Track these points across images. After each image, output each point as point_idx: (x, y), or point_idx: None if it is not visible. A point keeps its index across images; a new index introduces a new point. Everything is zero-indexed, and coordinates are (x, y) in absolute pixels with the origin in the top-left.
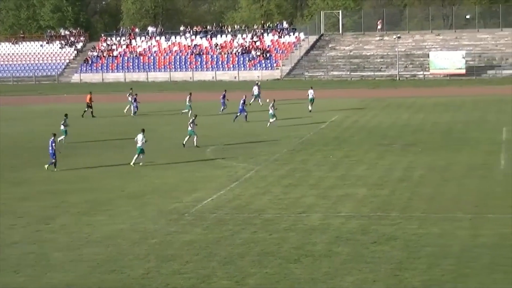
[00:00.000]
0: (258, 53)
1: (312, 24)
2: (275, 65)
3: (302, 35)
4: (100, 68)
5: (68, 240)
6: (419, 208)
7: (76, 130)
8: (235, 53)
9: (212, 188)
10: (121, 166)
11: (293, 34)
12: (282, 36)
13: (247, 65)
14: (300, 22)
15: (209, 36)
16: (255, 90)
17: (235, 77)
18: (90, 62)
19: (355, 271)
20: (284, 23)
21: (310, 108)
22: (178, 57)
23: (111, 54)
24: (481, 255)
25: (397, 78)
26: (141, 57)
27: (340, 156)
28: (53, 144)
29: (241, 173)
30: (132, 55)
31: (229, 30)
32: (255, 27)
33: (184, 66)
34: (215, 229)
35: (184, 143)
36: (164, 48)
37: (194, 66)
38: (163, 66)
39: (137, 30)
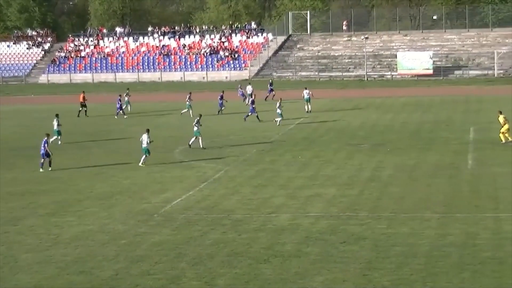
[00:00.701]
0: (227, 54)
1: (280, 24)
2: (243, 65)
3: (270, 36)
4: (67, 68)
5: (36, 241)
6: (388, 207)
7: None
8: (204, 54)
9: (181, 189)
10: (89, 167)
11: (261, 35)
12: (250, 37)
13: (216, 66)
14: (268, 23)
15: (177, 36)
16: (249, 89)
17: (203, 78)
18: (57, 63)
19: (324, 271)
20: (252, 23)
21: (307, 108)
22: (146, 57)
23: (79, 55)
24: (449, 254)
25: (365, 78)
26: (109, 58)
27: (309, 157)
28: (46, 145)
29: (210, 173)
30: (100, 56)
31: (197, 30)
32: (223, 27)
33: (152, 67)
34: (184, 230)
35: (190, 144)
36: (132, 49)
37: (162, 67)
38: (131, 67)
39: (104, 30)
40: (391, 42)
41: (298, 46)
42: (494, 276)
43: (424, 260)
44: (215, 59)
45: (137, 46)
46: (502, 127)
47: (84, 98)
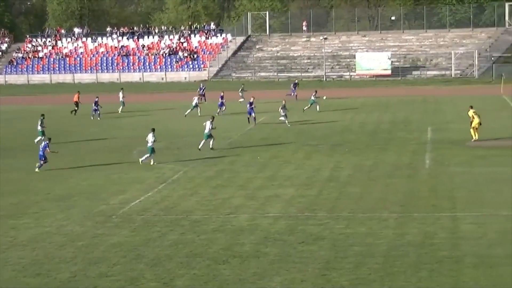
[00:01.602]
0: (186, 54)
1: (239, 25)
2: (202, 66)
3: (229, 36)
4: (25, 69)
5: None
6: (346, 207)
7: (12, 131)
8: (162, 54)
9: (139, 190)
10: (47, 169)
11: (220, 35)
12: (209, 37)
13: (175, 66)
14: (227, 23)
15: (136, 37)
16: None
17: (162, 78)
18: (15, 64)
19: (283, 271)
20: (211, 24)
21: (318, 108)
22: (104, 58)
23: (37, 56)
24: (407, 253)
25: (324, 79)
26: (67, 59)
27: (268, 157)
28: (46, 148)
29: (168, 174)
30: (58, 57)
31: (156, 31)
32: (182, 28)
33: (111, 68)
34: (143, 231)
35: (199, 147)
36: (91, 49)
37: (121, 67)
38: (89, 68)
39: (63, 31)
40: (350, 42)
41: (257, 46)
42: (451, 275)
43: (382, 260)
44: (174, 59)
45: (96, 46)
46: (472, 122)
47: (78, 98)
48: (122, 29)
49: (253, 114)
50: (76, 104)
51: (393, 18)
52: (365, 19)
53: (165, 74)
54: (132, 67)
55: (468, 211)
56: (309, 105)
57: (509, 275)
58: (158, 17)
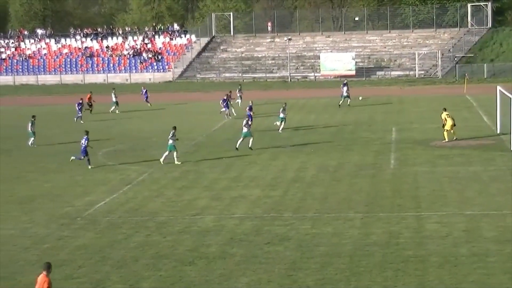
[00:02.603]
0: (150, 55)
1: (204, 26)
2: (167, 67)
3: (193, 37)
4: None
5: None
6: (311, 208)
7: None
8: (127, 56)
9: (104, 192)
10: (9, 171)
11: (185, 36)
12: (174, 38)
13: (139, 68)
14: (191, 24)
15: (99, 38)
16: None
17: (126, 80)
18: None
19: (249, 272)
20: (175, 25)
21: (348, 102)
22: (68, 59)
23: None
24: (372, 253)
25: (289, 79)
26: (30, 60)
27: (233, 158)
28: (87, 142)
29: (133, 176)
30: (21, 58)
31: (120, 32)
32: (146, 29)
33: (74, 69)
34: (108, 233)
35: (237, 147)
36: (54, 51)
37: (85, 69)
38: (53, 69)
39: (25, 32)
40: (314, 43)
41: (221, 47)
42: (416, 274)
43: (347, 260)
44: (139, 61)
45: (59, 48)
46: (445, 124)
47: (90, 98)
48: (85, 30)
49: (227, 110)
50: (89, 104)
51: (356, 18)
52: (329, 20)
53: (130, 75)
54: (96, 68)
55: (433, 211)
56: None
57: (473, 274)
58: (122, 18)
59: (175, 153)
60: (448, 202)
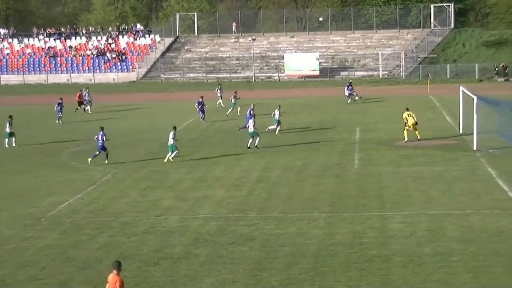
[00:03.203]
0: (114, 55)
1: (168, 26)
2: (131, 67)
3: (157, 37)
4: None
5: None
6: (276, 208)
7: None
8: (90, 56)
9: (68, 192)
10: None
11: (149, 36)
12: (138, 38)
13: (103, 68)
14: (156, 24)
15: (63, 38)
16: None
17: (90, 80)
18: None
19: (214, 272)
20: (139, 25)
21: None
22: (31, 59)
23: None
24: (337, 253)
25: (253, 79)
26: None
27: (198, 158)
28: (104, 137)
29: (98, 176)
30: None
31: (84, 32)
32: (110, 29)
33: (38, 69)
34: (72, 234)
35: (249, 145)
36: (17, 51)
37: (49, 69)
38: (16, 69)
39: None
40: (278, 43)
41: (185, 47)
42: (380, 274)
43: (312, 260)
44: (102, 61)
45: (22, 47)
46: (406, 124)
47: (80, 96)
48: (49, 30)
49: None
50: (79, 102)
51: (320, 19)
52: (293, 20)
53: (93, 76)
54: (59, 68)
55: (396, 210)
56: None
57: (437, 273)
58: (85, 18)
59: (174, 153)
60: (412, 202)
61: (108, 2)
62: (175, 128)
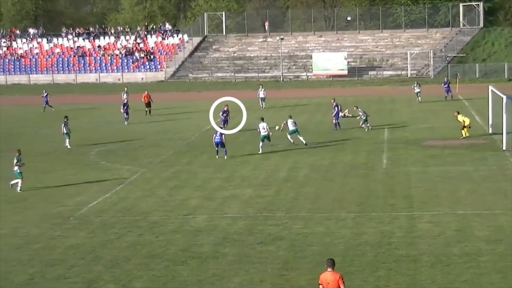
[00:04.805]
0: (142, 55)
1: (196, 25)
2: (159, 66)
3: (185, 37)
4: None
5: None
6: (304, 207)
7: None
8: (119, 55)
9: (96, 191)
10: (1, 170)
11: (177, 36)
12: (166, 38)
13: (131, 67)
14: (184, 24)
15: (91, 38)
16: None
17: (119, 79)
18: None
19: (242, 272)
20: (167, 24)
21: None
22: (60, 59)
23: None
24: (364, 253)
25: (281, 79)
26: (22, 59)
27: (226, 157)
28: (222, 136)
29: (126, 175)
30: (12, 57)
31: (112, 31)
32: (139, 28)
33: (66, 68)
34: (101, 233)
35: (304, 142)
36: (46, 50)
37: (77, 68)
38: (45, 68)
39: (17, 31)
40: (306, 43)
41: (213, 47)
42: (408, 274)
43: (340, 259)
44: (131, 60)
45: (51, 47)
46: (464, 123)
47: (145, 97)
48: (77, 29)
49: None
50: (147, 104)
51: (349, 18)
52: (321, 20)
53: (122, 75)
54: (88, 68)
55: (425, 210)
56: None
57: (465, 273)
58: (114, 18)
59: (261, 143)
60: (440, 201)
61: (136, 2)
62: (262, 119)
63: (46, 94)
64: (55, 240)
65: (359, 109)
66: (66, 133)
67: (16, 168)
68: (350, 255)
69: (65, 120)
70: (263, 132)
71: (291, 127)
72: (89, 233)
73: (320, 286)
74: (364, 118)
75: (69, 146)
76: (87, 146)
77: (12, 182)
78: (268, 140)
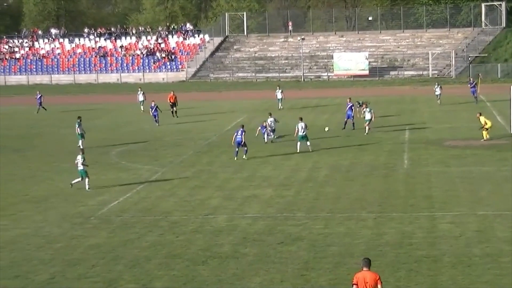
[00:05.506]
0: (163, 55)
1: (217, 25)
2: (180, 66)
3: (207, 37)
4: (2, 70)
5: None
6: (324, 208)
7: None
8: (140, 55)
9: (117, 191)
10: (24, 170)
11: (198, 36)
12: (187, 38)
13: (152, 67)
14: (205, 24)
15: (113, 38)
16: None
17: (140, 79)
18: None
19: (262, 272)
20: (188, 24)
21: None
22: (82, 59)
23: (13, 57)
24: (385, 253)
25: (302, 79)
26: (44, 60)
27: (246, 157)
28: (243, 134)
29: (146, 175)
30: (35, 58)
31: (134, 32)
32: (160, 29)
33: (88, 69)
34: (121, 232)
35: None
36: (68, 50)
37: (99, 68)
38: (67, 69)
39: (39, 32)
40: (327, 43)
41: (234, 47)
42: (429, 274)
43: (360, 260)
44: (152, 60)
45: (73, 47)
46: (485, 125)
47: (171, 98)
48: (99, 30)
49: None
50: (172, 104)
51: (370, 18)
52: (342, 20)
53: (143, 75)
54: (109, 68)
55: (446, 211)
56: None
57: (486, 274)
58: (135, 18)
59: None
60: (461, 202)
61: (157, 2)
62: (301, 119)
63: (40, 95)
64: (76, 240)
65: (367, 108)
66: (80, 134)
67: (81, 167)
68: (370, 256)
69: (79, 120)
70: (301, 132)
71: (300, 131)
72: (109, 233)
73: (355, 286)
74: (368, 118)
75: (81, 147)
76: (108, 146)
77: (74, 181)
78: (306, 140)
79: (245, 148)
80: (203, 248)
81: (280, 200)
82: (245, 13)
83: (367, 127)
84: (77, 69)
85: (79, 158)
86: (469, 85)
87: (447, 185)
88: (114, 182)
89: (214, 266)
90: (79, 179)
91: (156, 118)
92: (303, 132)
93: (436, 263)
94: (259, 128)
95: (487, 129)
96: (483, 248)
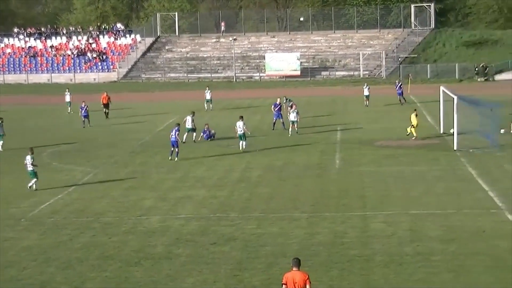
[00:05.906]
0: (94, 55)
1: (148, 26)
2: (111, 67)
3: (138, 37)
4: None
5: None
6: (257, 208)
7: None
8: (71, 55)
9: (49, 193)
10: None
11: (129, 36)
12: (118, 38)
13: (83, 67)
14: (136, 24)
15: (43, 38)
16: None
17: (71, 80)
18: None
19: (195, 272)
20: (120, 25)
21: (366, 103)
22: (11, 59)
23: None
24: (318, 253)
25: (234, 79)
26: None
27: (179, 158)
28: (177, 133)
29: (79, 176)
30: None
31: (64, 32)
32: (91, 29)
33: (18, 69)
34: (53, 234)
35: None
36: None
37: (29, 69)
38: None
39: None
40: (259, 43)
41: (166, 47)
42: (361, 274)
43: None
44: (83, 60)
45: (2, 47)
46: (413, 123)
47: (104, 98)
48: (29, 29)
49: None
50: (106, 105)
51: (301, 19)
52: (274, 20)
53: (74, 76)
54: (40, 68)
55: (378, 210)
56: None
57: (418, 273)
58: (65, 18)
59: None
60: (393, 201)
61: (88, 2)
62: (241, 117)
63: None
64: (8, 242)
65: (293, 109)
66: (0, 135)
67: (30, 167)
68: (303, 255)
69: (0, 121)
70: (239, 131)
71: (239, 130)
72: (41, 235)
73: (284, 286)
74: (292, 120)
75: (0, 149)
76: (39, 147)
77: (30, 183)
78: (244, 139)
79: (177, 150)
80: (136, 249)
81: (214, 200)
82: (176, 13)
83: (290, 129)
84: (6, 69)
85: (28, 159)
86: (395, 87)
87: (380, 184)
88: (45, 184)
89: (147, 267)
90: (35, 179)
91: (87, 119)
92: (241, 131)
93: (368, 262)
94: (202, 134)
95: (413, 126)
96: (415, 247)
